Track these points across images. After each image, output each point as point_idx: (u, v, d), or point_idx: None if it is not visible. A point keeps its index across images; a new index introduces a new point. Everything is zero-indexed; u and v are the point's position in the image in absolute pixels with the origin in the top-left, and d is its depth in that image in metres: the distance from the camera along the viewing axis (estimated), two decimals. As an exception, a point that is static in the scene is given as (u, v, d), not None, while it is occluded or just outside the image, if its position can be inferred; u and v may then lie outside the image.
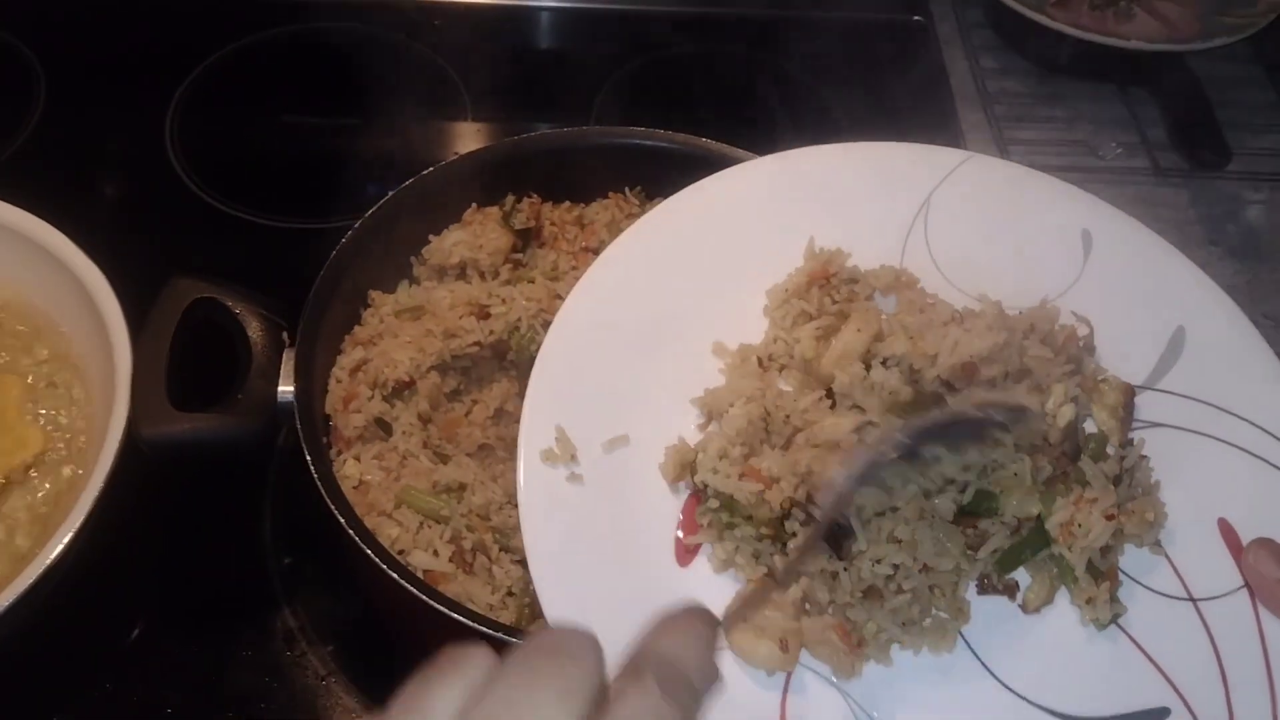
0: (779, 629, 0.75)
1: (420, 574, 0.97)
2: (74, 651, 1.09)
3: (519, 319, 1.11)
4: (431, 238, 1.19)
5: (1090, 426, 0.87)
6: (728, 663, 0.75)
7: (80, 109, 1.58)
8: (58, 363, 1.15)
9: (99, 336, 1.08)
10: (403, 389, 1.08)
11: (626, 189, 1.26)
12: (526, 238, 1.20)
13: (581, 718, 0.47)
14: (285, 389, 1.01)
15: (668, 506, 0.82)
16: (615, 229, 1.19)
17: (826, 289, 0.91)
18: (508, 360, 1.12)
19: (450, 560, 1.00)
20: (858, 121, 1.65)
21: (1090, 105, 1.68)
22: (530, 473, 0.80)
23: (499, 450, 1.07)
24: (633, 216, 1.20)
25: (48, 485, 1.07)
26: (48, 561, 0.93)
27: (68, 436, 1.10)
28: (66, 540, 0.94)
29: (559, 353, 0.85)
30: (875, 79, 1.69)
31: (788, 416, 0.83)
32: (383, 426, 1.07)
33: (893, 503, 0.78)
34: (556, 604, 0.74)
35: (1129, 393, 0.87)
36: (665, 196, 1.22)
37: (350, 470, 1.05)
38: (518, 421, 1.05)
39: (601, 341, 0.87)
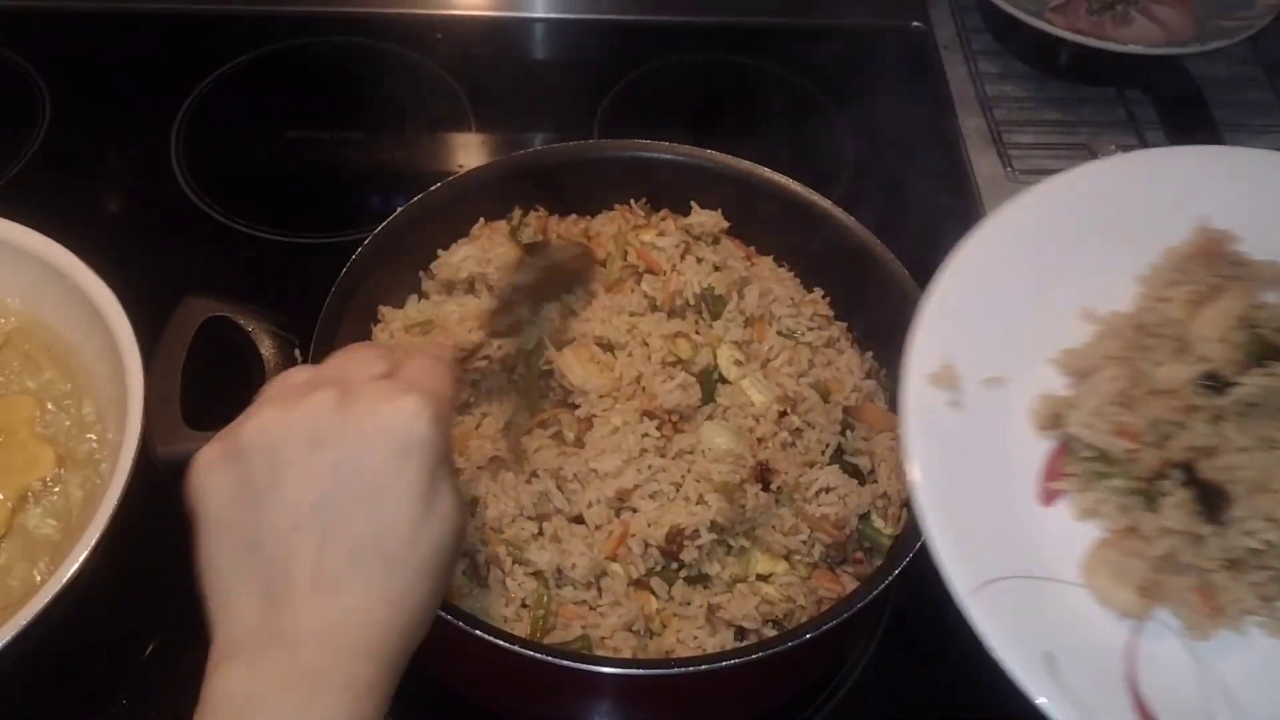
0: (1140, 577, 0.79)
1: (434, 588, 0.98)
2: (90, 668, 1.09)
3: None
4: (440, 252, 1.19)
5: None
6: (1084, 601, 0.80)
7: (85, 127, 1.58)
8: (68, 381, 1.15)
9: (109, 354, 1.08)
10: (413, 404, 1.08)
11: (632, 201, 1.26)
12: (534, 251, 1.20)
13: (389, 367, 0.78)
14: (298, 406, 1.02)
15: (1036, 450, 0.86)
16: (621, 241, 1.20)
17: (1208, 264, 0.92)
18: (516, 374, 1.13)
19: (464, 574, 1.01)
20: (857, 128, 1.66)
21: (1089, 108, 1.69)
22: (915, 391, 0.85)
23: (509, 462, 1.08)
24: (639, 228, 1.22)
25: (60, 504, 1.07)
26: (63, 580, 0.93)
27: (79, 455, 1.10)
28: (81, 559, 0.94)
29: (955, 283, 0.90)
30: (876, 85, 1.69)
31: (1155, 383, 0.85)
32: (394, 441, 1.07)
33: (1273, 482, 0.79)
34: (933, 512, 0.80)
35: None
36: (671, 208, 1.25)
37: (362, 485, 1.05)
38: (527, 434, 1.08)
39: (993, 283, 0.90)
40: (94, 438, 1.12)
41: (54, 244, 1.14)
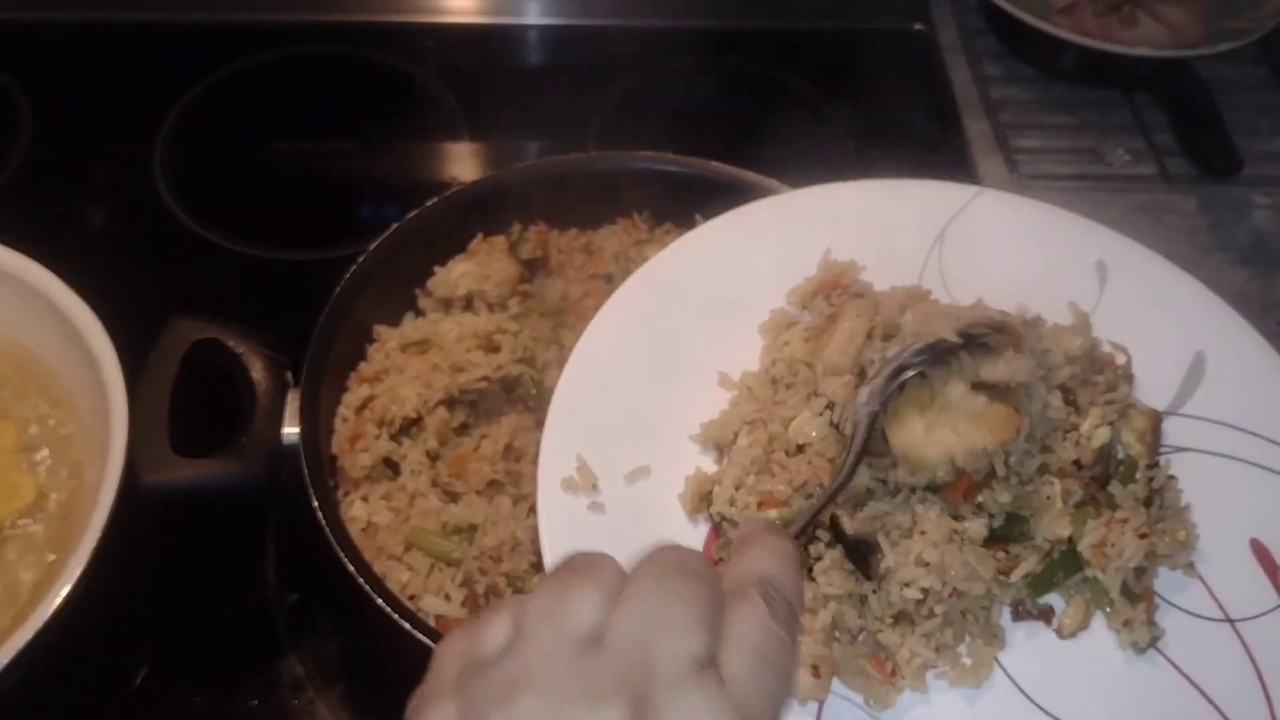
0: (810, 655, 0.75)
1: (432, 620, 0.95)
2: (77, 701, 1.06)
3: (530, 352, 1.08)
4: (436, 269, 1.16)
5: (1117, 451, 0.87)
6: None
7: (66, 142, 1.55)
8: (50, 407, 1.11)
9: (92, 379, 1.05)
10: (410, 426, 1.05)
11: (634, 213, 1.24)
12: (534, 267, 1.18)
13: (710, 640, 0.50)
14: (290, 430, 0.99)
15: (690, 537, 0.82)
16: (623, 255, 1.18)
17: (829, 298, 0.91)
18: (515, 394, 1.10)
19: (463, 604, 0.98)
20: (861, 133, 1.63)
21: (1096, 112, 1.67)
22: (550, 500, 0.80)
23: (509, 487, 1.05)
24: (641, 242, 1.19)
25: (44, 534, 1.03)
26: (49, 613, 0.90)
27: (62, 483, 1.06)
28: (66, 591, 0.91)
29: (578, 382, 0.86)
30: (878, 89, 1.67)
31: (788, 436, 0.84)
32: (390, 466, 1.04)
33: (920, 526, 0.78)
34: None
35: (1156, 418, 0.88)
36: (673, 220, 1.22)
37: (358, 512, 1.02)
38: (529, 458, 1.05)
39: (620, 373, 0.88)
40: (78, 464, 1.08)
41: (34, 265, 1.10)
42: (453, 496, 1.04)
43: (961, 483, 0.80)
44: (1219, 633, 0.80)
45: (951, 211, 0.99)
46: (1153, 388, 0.91)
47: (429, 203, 1.15)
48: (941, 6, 1.82)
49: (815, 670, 0.74)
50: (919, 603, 0.77)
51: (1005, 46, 1.74)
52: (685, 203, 1.20)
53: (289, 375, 1.03)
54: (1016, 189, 1.56)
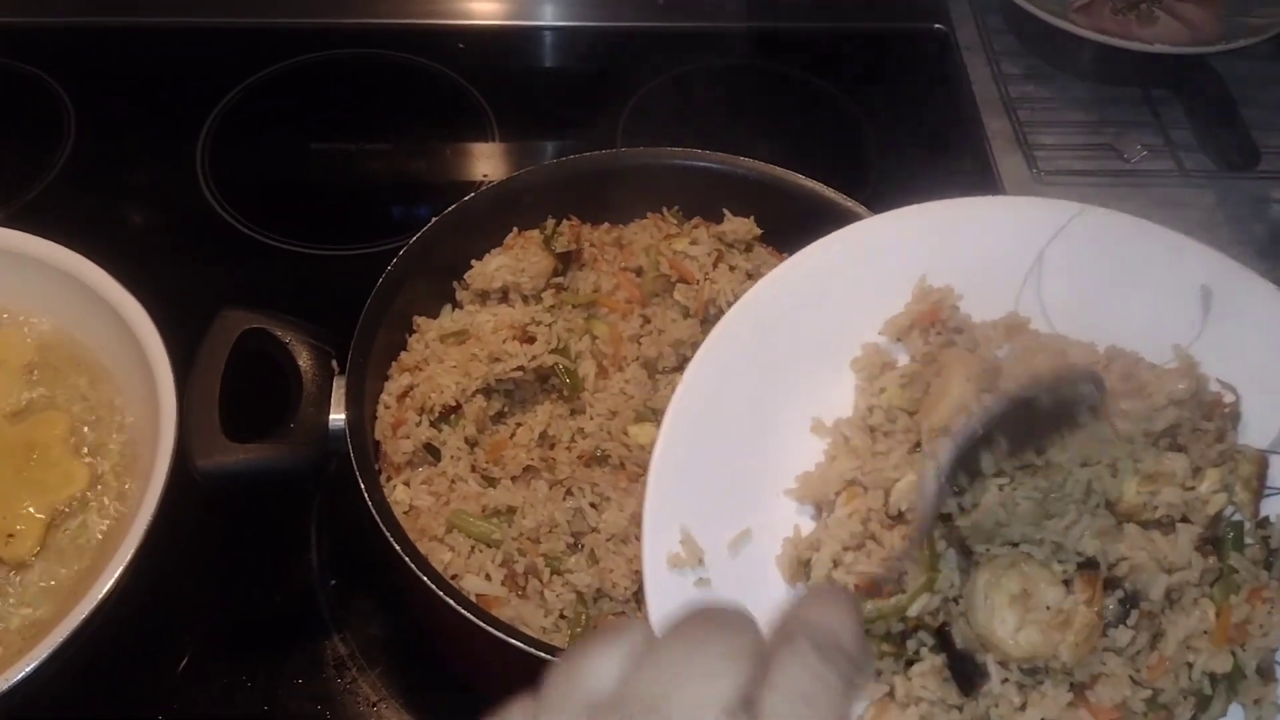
0: None
1: (473, 598, 0.97)
2: (125, 682, 1.09)
3: (564, 343, 1.11)
4: (474, 262, 1.19)
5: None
6: None
7: (110, 142, 1.59)
8: (100, 396, 1.15)
9: (141, 369, 1.08)
10: (449, 413, 1.08)
11: (664, 209, 1.26)
12: (567, 260, 1.20)
13: (743, 684, 0.46)
14: (336, 417, 1.02)
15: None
16: (653, 249, 1.20)
17: (927, 334, 0.87)
18: (550, 383, 1.13)
19: (503, 584, 1.00)
20: (882, 131, 1.66)
21: (1114, 108, 1.69)
22: (657, 581, 0.76)
23: (544, 472, 1.07)
24: (670, 236, 1.21)
25: (95, 520, 1.07)
26: (99, 596, 0.93)
27: (113, 470, 1.10)
28: (117, 574, 0.94)
29: (677, 443, 0.81)
30: (899, 88, 1.69)
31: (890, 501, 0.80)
32: (431, 452, 1.07)
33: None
34: None
35: (1263, 463, 0.82)
36: (703, 215, 1.25)
37: (400, 496, 1.05)
38: (563, 444, 1.08)
39: (716, 426, 0.83)
40: (127, 452, 1.11)
41: (82, 259, 1.14)
42: (491, 481, 1.06)
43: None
44: None
45: (1051, 232, 0.92)
46: (1254, 424, 0.84)
47: (466, 198, 1.18)
48: (960, 5, 1.84)
49: None
50: None
51: (1024, 45, 1.76)
52: (712, 198, 1.23)
53: (334, 364, 1.06)
54: (1035, 185, 1.59)
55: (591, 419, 1.09)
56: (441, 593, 0.91)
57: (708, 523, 0.78)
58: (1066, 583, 0.75)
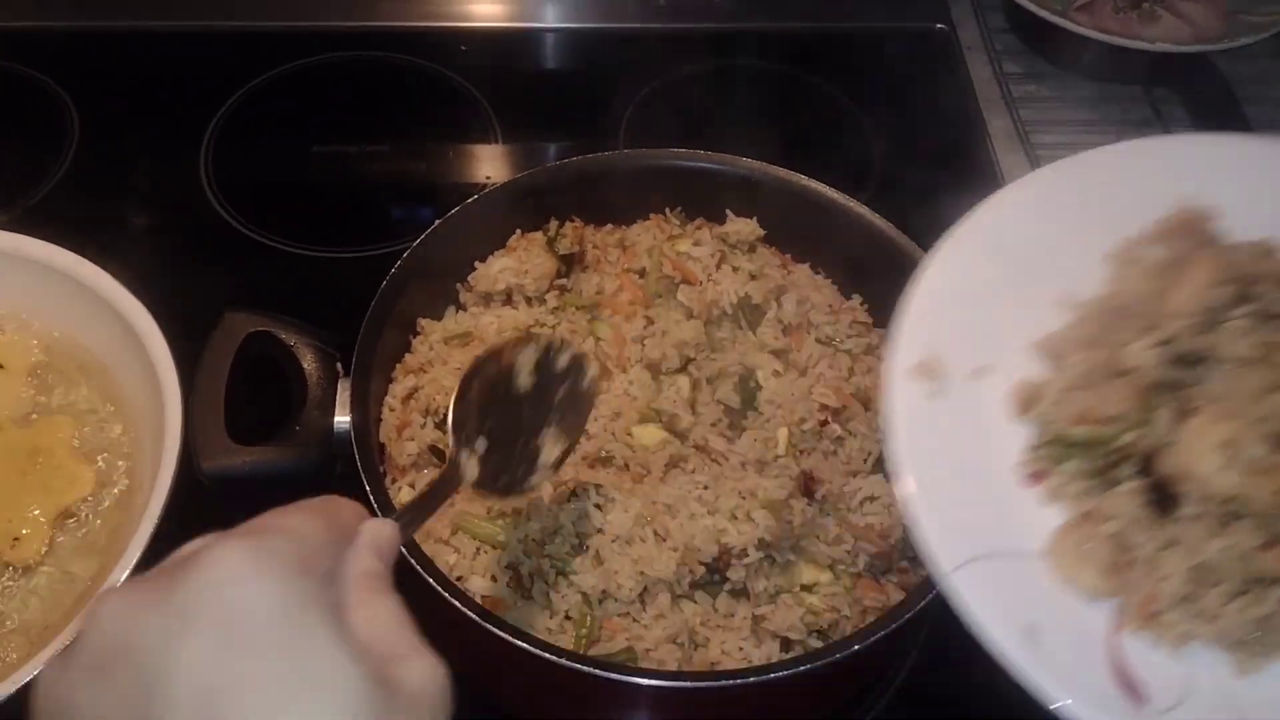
0: (1105, 557, 0.80)
1: (478, 600, 0.98)
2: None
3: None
4: (477, 264, 1.19)
5: None
6: (1057, 590, 0.80)
7: (114, 145, 1.59)
8: (106, 400, 1.15)
9: (145, 372, 1.09)
10: (453, 415, 1.08)
11: (667, 210, 1.27)
12: (570, 262, 1.20)
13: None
14: (341, 419, 1.02)
15: (1014, 436, 0.87)
16: (656, 250, 1.20)
17: (1179, 240, 0.92)
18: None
19: (508, 585, 1.01)
20: (884, 131, 1.66)
21: (1116, 107, 1.68)
22: (896, 387, 0.86)
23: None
24: (673, 237, 1.21)
25: (100, 524, 1.08)
26: (107, 599, 0.93)
27: (119, 474, 1.10)
28: (123, 579, 0.94)
29: (935, 282, 0.91)
30: (900, 87, 1.69)
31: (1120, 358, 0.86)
32: (436, 453, 1.07)
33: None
34: (915, 496, 0.81)
35: None
36: (705, 216, 1.25)
37: (405, 497, 1.05)
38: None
39: (974, 280, 0.92)
40: (132, 456, 1.12)
41: (87, 263, 1.15)
42: (495, 483, 1.07)
43: None
44: None
45: None
46: None
47: (469, 200, 1.18)
48: (962, 5, 1.84)
49: (1110, 572, 0.79)
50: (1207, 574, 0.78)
51: (1025, 44, 1.77)
52: (715, 198, 1.24)
53: (339, 366, 1.06)
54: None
55: (595, 420, 1.08)
56: (447, 594, 0.91)
57: (951, 350, 0.88)
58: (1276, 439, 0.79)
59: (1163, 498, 0.81)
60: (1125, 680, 0.76)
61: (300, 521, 0.62)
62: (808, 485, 1.04)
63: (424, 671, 0.58)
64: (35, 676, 0.58)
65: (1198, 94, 1.59)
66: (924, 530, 0.80)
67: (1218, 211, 0.94)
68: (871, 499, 1.06)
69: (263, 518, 0.63)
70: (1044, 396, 0.87)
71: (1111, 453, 0.83)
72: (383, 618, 0.60)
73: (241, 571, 0.54)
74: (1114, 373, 0.86)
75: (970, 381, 0.88)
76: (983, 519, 0.82)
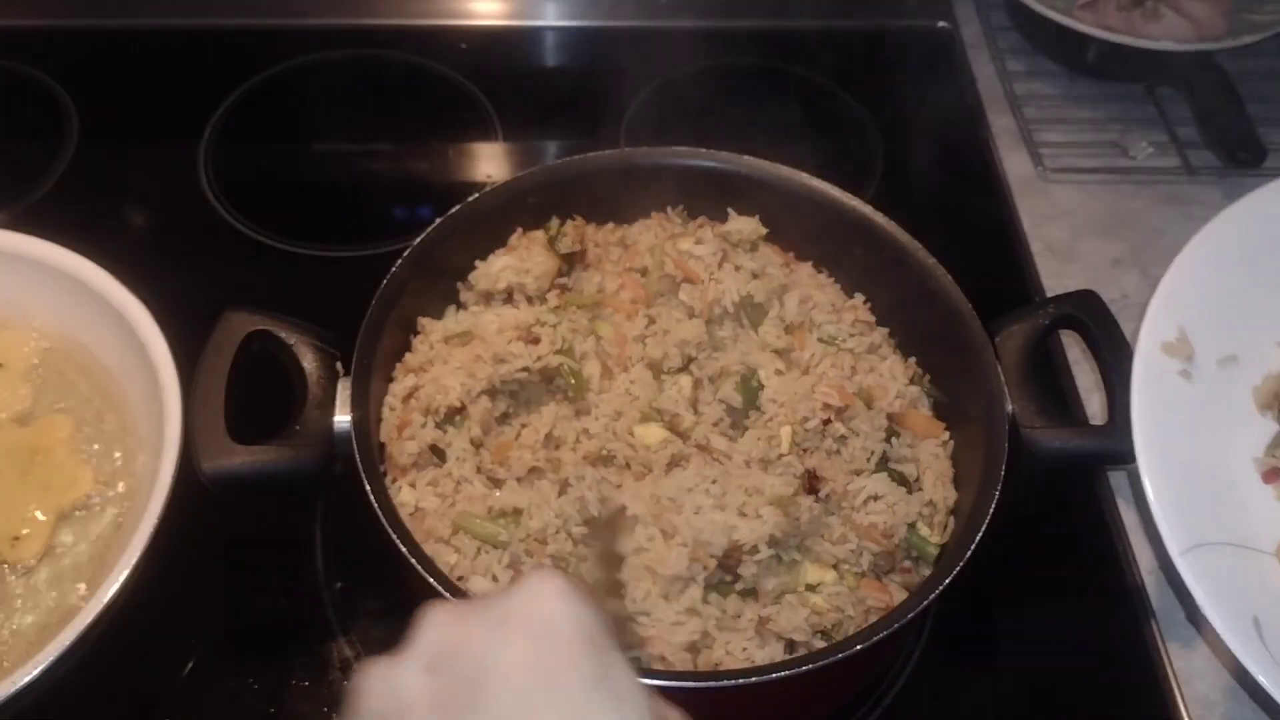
0: None
1: (480, 601, 0.97)
2: (129, 686, 1.09)
3: (568, 344, 1.11)
4: (478, 263, 1.19)
5: None
6: None
7: (113, 144, 1.59)
8: (105, 399, 1.15)
9: (144, 371, 1.08)
10: (454, 415, 1.08)
11: (669, 208, 1.26)
12: (571, 261, 1.20)
13: None
14: (342, 419, 1.02)
15: (1264, 427, 0.91)
16: (658, 249, 1.19)
17: None
18: (554, 384, 1.12)
19: (510, 585, 1.00)
20: (886, 129, 1.65)
21: (1119, 106, 1.68)
22: (1148, 356, 0.88)
23: (549, 473, 1.07)
24: (675, 236, 1.21)
25: (99, 524, 1.07)
26: (105, 600, 0.93)
27: (117, 474, 1.10)
28: (122, 578, 0.94)
29: (1194, 267, 0.93)
30: (903, 86, 1.69)
31: None
32: (436, 453, 1.06)
33: None
34: (1151, 472, 0.83)
35: None
36: (707, 215, 1.24)
37: (406, 497, 1.05)
38: (568, 445, 1.07)
39: (1231, 270, 0.94)
40: (131, 455, 1.11)
41: (86, 261, 1.14)
42: (496, 483, 1.06)
43: None
44: None
45: None
46: None
47: (469, 199, 1.18)
48: (964, 3, 1.84)
49: None
50: None
51: (1028, 42, 1.76)
52: (717, 197, 1.23)
53: (338, 365, 1.06)
54: (1040, 183, 1.59)
55: (596, 420, 1.08)
56: (448, 595, 0.91)
57: (1205, 333, 0.90)
58: None
59: None
60: None
61: None
62: (812, 484, 1.03)
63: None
64: (360, 672, 0.64)
65: (1201, 93, 1.58)
66: (1156, 508, 0.81)
67: None
68: (875, 498, 1.05)
69: None
70: None
71: None
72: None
73: (556, 593, 0.62)
74: None
75: (1219, 367, 0.90)
76: (1216, 507, 0.83)
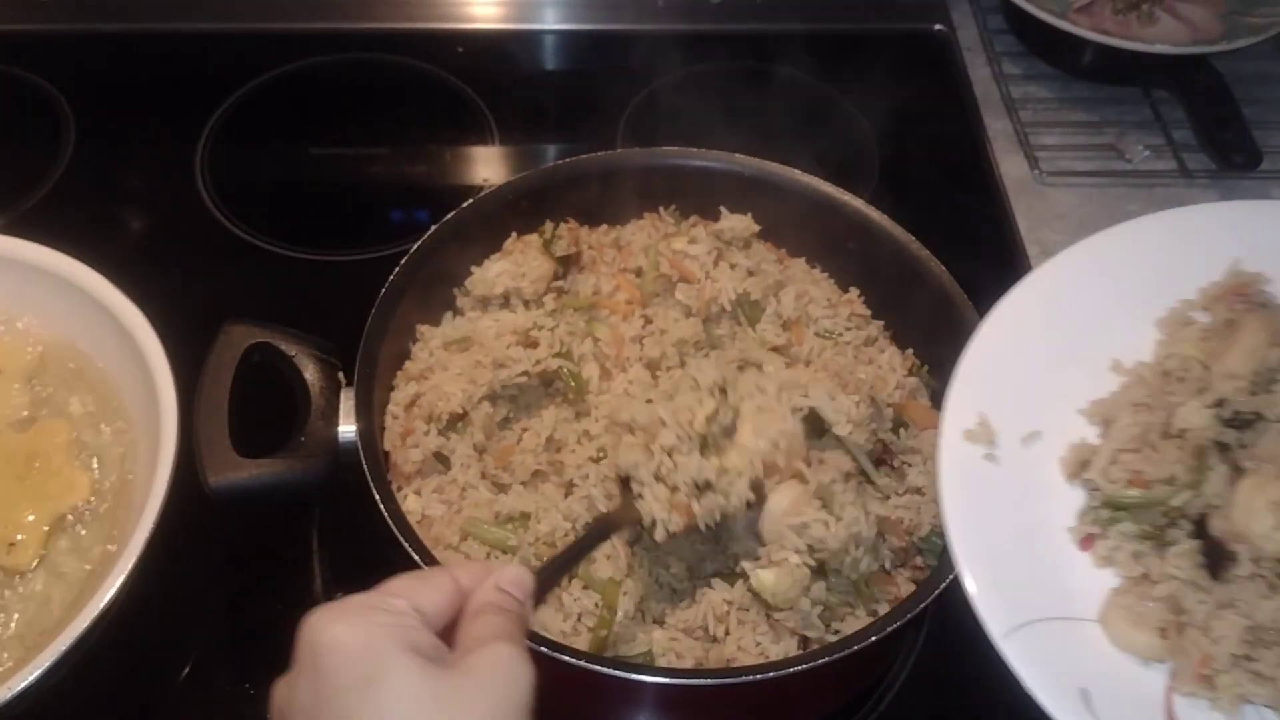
0: (1158, 619, 0.81)
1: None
2: (127, 691, 1.09)
3: (566, 346, 1.11)
4: (474, 268, 1.19)
5: None
6: (1110, 653, 0.82)
7: (110, 148, 1.58)
8: (102, 404, 1.15)
9: (141, 376, 1.08)
10: (456, 421, 1.08)
11: (661, 209, 1.26)
12: (567, 263, 1.20)
13: None
14: (346, 428, 1.02)
15: (1067, 499, 0.90)
16: (652, 249, 1.20)
17: (1232, 304, 0.95)
18: (554, 387, 1.12)
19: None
20: (882, 132, 1.65)
21: (1115, 109, 1.68)
22: (951, 446, 0.89)
23: (552, 476, 1.07)
24: (669, 235, 1.21)
25: (96, 528, 1.07)
26: (101, 605, 0.93)
27: (114, 480, 1.10)
28: (119, 583, 0.94)
29: (987, 349, 0.94)
30: (900, 90, 1.68)
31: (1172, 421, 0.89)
32: (441, 460, 1.07)
33: None
34: (966, 560, 0.83)
35: None
36: (699, 214, 1.24)
37: (412, 505, 1.05)
38: (569, 448, 1.07)
39: (1024, 347, 0.95)
40: (128, 461, 1.11)
41: (82, 266, 1.14)
42: (501, 487, 1.06)
43: None
44: None
45: None
46: None
47: (465, 204, 1.18)
48: (961, 7, 1.84)
49: (1164, 633, 0.80)
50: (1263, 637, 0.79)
51: (1025, 46, 1.76)
52: (710, 196, 1.24)
53: (340, 375, 1.06)
54: (1037, 186, 1.59)
55: (597, 421, 1.09)
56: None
57: (1004, 415, 0.90)
58: None
59: (1215, 559, 0.82)
60: None
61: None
62: (883, 457, 1.06)
63: (495, 653, 0.66)
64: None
65: (1197, 96, 1.58)
66: (975, 594, 0.81)
67: (1268, 276, 0.96)
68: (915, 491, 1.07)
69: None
70: (1096, 460, 0.88)
71: (1164, 515, 0.86)
72: (479, 628, 0.69)
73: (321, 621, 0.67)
74: (1166, 435, 0.88)
75: (1022, 445, 0.90)
76: (1034, 584, 0.84)
